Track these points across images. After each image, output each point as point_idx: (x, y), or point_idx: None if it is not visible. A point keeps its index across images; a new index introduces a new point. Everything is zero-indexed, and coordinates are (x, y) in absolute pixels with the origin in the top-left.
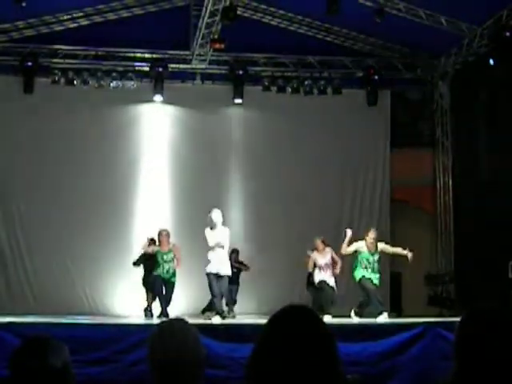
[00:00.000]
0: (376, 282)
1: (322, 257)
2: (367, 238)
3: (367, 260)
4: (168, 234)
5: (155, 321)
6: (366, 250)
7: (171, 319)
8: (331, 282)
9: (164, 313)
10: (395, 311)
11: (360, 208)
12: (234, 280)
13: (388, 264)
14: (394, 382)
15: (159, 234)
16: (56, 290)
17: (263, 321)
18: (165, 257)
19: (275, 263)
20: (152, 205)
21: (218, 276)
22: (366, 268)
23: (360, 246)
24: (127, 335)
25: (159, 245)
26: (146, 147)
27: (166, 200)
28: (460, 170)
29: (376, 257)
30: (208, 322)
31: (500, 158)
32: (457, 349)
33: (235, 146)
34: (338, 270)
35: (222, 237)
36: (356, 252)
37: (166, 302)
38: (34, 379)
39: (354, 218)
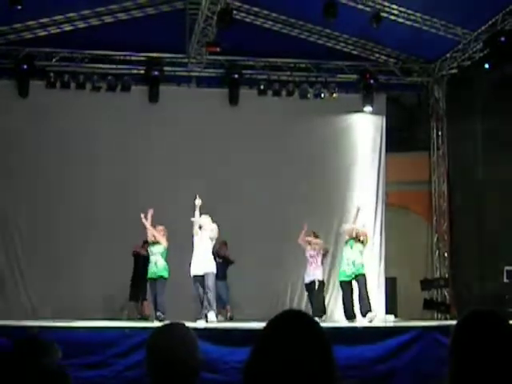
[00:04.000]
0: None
1: (310, 248)
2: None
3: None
4: (162, 229)
5: (151, 324)
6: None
7: (170, 323)
8: (316, 275)
9: (158, 315)
10: (391, 314)
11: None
12: (219, 276)
13: (383, 268)
14: None
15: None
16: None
17: (258, 325)
18: (152, 249)
19: (269, 267)
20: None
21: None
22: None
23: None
24: (124, 339)
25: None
26: (146, 151)
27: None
28: (455, 175)
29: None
30: (203, 325)
31: (495, 162)
32: (452, 352)
33: (230, 149)
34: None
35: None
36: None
37: (159, 301)
38: (25, 379)
39: (348, 222)
